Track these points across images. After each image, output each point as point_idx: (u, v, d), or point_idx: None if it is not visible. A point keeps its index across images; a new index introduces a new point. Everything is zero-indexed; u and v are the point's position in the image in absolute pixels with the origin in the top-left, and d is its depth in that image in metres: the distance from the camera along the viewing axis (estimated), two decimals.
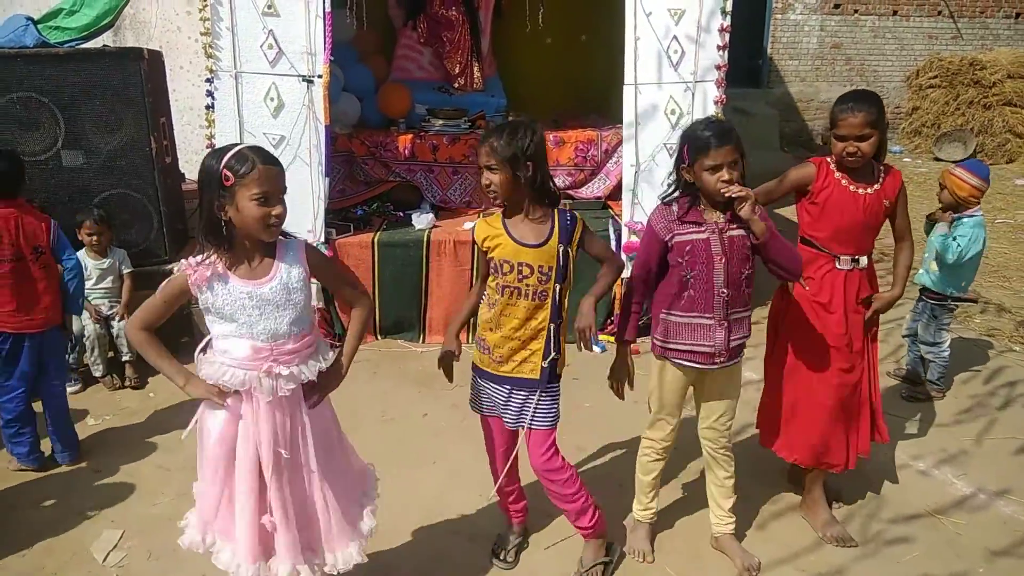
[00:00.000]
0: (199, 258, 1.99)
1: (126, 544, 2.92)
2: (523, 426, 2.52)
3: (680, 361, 2.59)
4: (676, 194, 2.55)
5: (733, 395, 2.69)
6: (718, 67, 4.40)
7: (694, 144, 2.42)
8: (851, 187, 2.75)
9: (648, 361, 2.74)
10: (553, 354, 2.45)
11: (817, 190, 2.79)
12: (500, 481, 2.68)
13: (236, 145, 1.97)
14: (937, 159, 10.75)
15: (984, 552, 2.83)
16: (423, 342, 4.86)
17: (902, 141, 11.61)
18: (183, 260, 1.99)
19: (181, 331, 4.76)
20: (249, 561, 2.09)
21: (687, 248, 2.48)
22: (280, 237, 2.07)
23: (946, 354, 3.96)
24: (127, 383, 4.25)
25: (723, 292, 2.47)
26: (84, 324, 4.18)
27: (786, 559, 2.81)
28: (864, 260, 2.82)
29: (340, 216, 5.01)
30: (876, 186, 2.76)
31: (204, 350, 2.09)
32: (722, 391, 2.67)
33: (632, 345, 2.70)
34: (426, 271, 4.76)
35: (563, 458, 2.57)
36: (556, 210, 2.42)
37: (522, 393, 2.49)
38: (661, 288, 2.60)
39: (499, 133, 2.32)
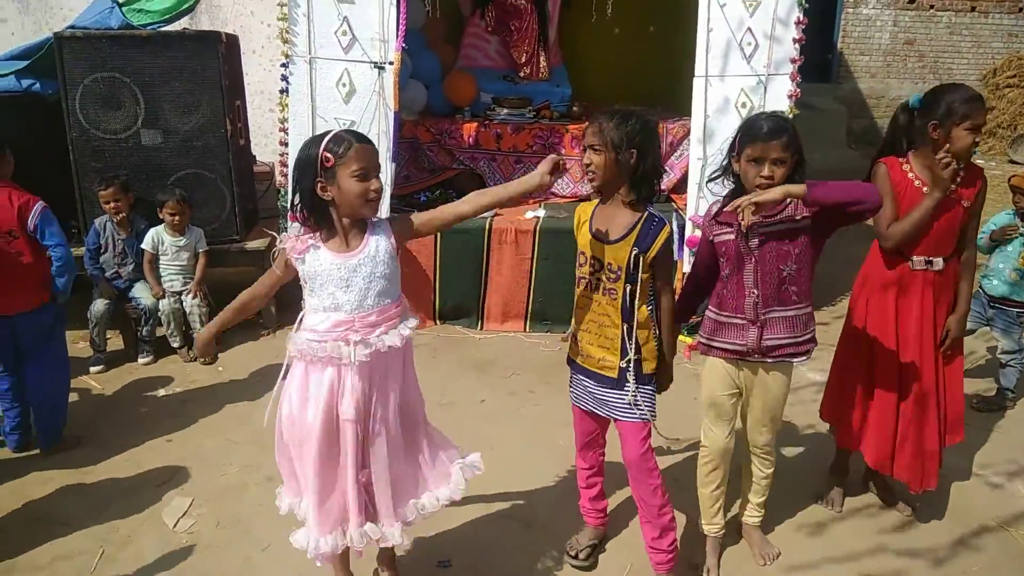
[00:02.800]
0: (299, 233, 2.16)
1: (195, 511, 3.03)
2: (611, 417, 2.50)
3: (719, 358, 2.57)
4: (719, 178, 2.51)
5: (777, 393, 2.57)
6: (793, 60, 4.31)
7: (746, 132, 2.36)
8: (925, 188, 2.68)
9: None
10: (631, 355, 2.39)
11: (890, 191, 2.72)
12: (582, 474, 2.74)
13: (329, 131, 2.10)
14: (1012, 161, 10.37)
15: None
16: (481, 329, 4.90)
17: None
18: (282, 234, 2.18)
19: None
20: (323, 533, 2.21)
21: (723, 249, 2.47)
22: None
23: None
24: (202, 359, 4.39)
25: (753, 292, 2.42)
26: (157, 300, 4.33)
27: (845, 559, 2.77)
28: (939, 262, 2.74)
29: (404, 202, 5.08)
30: (952, 186, 2.67)
31: (298, 327, 2.22)
32: (763, 390, 2.56)
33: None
34: (487, 259, 4.80)
35: (656, 463, 2.53)
36: (648, 211, 2.35)
37: (602, 388, 2.48)
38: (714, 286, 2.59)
39: (610, 115, 2.30)
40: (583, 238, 2.42)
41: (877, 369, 2.86)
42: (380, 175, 2.12)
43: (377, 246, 2.16)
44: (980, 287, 3.97)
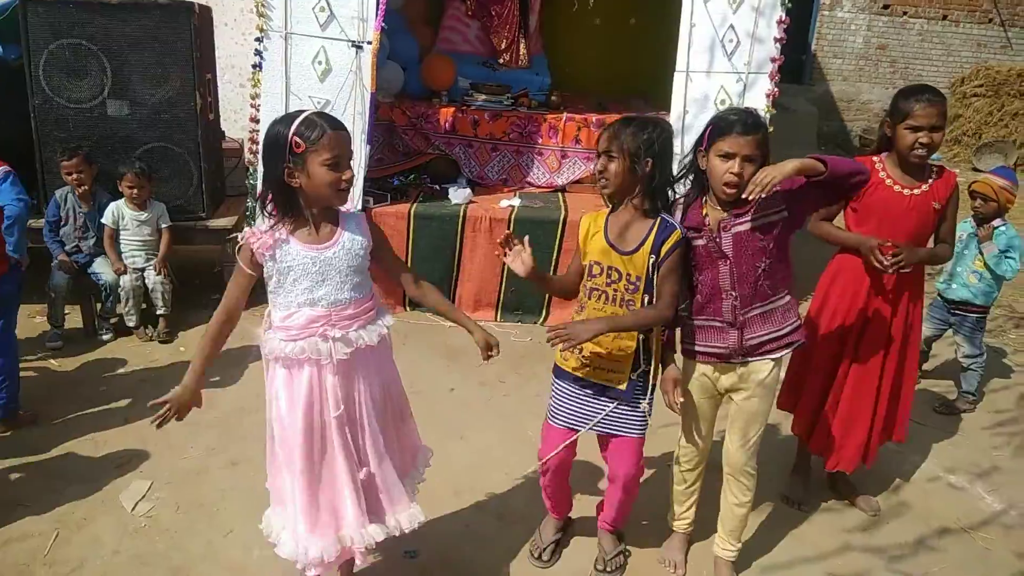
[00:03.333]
0: (262, 227, 2.01)
1: (154, 495, 2.95)
2: (610, 433, 2.45)
3: (700, 362, 2.48)
4: (684, 176, 2.39)
5: (759, 398, 2.46)
6: (773, 60, 4.33)
7: (717, 126, 2.25)
8: (896, 187, 2.70)
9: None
10: (643, 367, 2.36)
11: (861, 191, 2.70)
12: (547, 489, 2.66)
13: (302, 112, 1.96)
14: (976, 169, 10.57)
15: (1015, 570, 2.79)
16: None
17: (940, 149, 11.41)
18: (245, 230, 2.01)
19: (213, 288, 4.80)
20: (310, 532, 2.12)
21: (690, 254, 2.36)
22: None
23: (984, 363, 3.94)
24: (157, 336, 4.28)
25: (731, 294, 2.34)
26: (118, 275, 4.21)
27: (812, 559, 2.79)
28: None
29: (376, 185, 4.99)
30: (924, 187, 2.70)
31: (267, 328, 2.10)
32: (744, 394, 2.47)
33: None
34: (460, 246, 4.74)
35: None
36: (661, 218, 2.27)
37: (606, 401, 2.42)
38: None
39: (628, 122, 2.24)
40: (597, 247, 2.32)
41: (828, 355, 2.90)
42: (353, 162, 2.00)
43: (352, 240, 2.05)
44: (939, 294, 4.03)
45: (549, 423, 2.53)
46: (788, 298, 2.42)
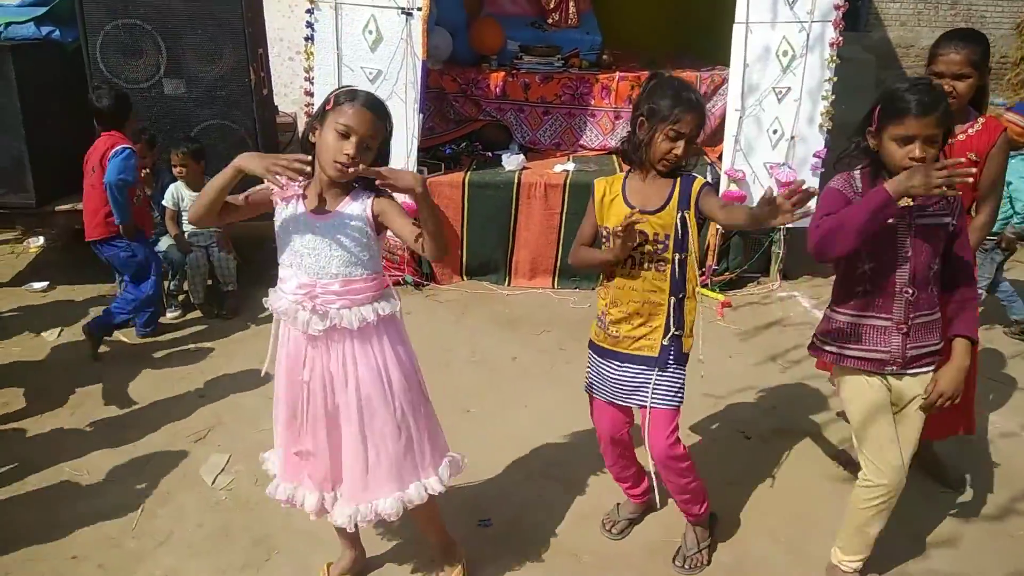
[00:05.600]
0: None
1: (233, 468, 3.02)
2: (644, 406, 2.34)
3: (861, 370, 2.22)
4: (854, 156, 2.17)
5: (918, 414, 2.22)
6: (837, 7, 4.15)
7: (889, 106, 2.02)
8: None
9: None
10: (674, 331, 2.28)
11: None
12: (612, 469, 2.61)
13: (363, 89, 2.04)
14: None
15: None
16: (508, 285, 4.84)
17: (1006, 93, 10.90)
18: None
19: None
20: (283, 479, 2.29)
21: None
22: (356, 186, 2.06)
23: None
24: (224, 313, 4.35)
25: (907, 291, 2.10)
26: (184, 254, 4.27)
27: (897, 526, 2.72)
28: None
29: (429, 154, 4.97)
30: (962, 136, 2.51)
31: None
32: (905, 412, 2.23)
33: None
34: (515, 214, 4.70)
35: (684, 448, 2.39)
36: (680, 175, 2.24)
37: (640, 371, 2.34)
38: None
39: (700, 99, 2.21)
40: (618, 212, 2.26)
41: None
42: (367, 151, 1.94)
43: (350, 216, 2.01)
44: None
45: (595, 398, 2.49)
46: (940, 313, 2.21)
